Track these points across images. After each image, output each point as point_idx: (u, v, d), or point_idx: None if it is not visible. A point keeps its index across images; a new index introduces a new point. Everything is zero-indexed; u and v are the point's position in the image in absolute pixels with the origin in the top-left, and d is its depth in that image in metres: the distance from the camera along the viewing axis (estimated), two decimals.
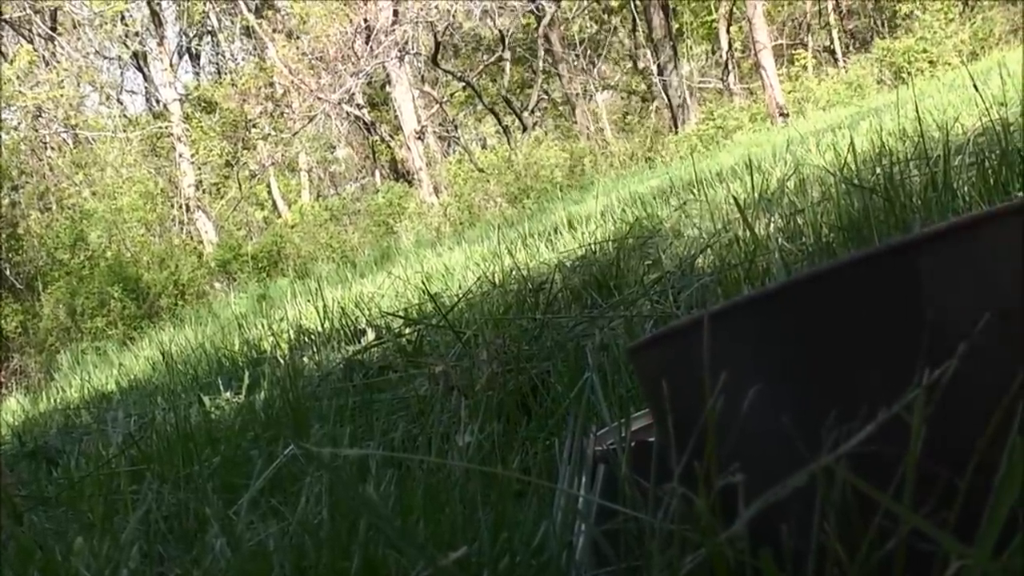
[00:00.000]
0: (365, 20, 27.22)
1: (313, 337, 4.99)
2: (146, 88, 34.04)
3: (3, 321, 22.43)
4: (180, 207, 28.90)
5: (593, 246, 4.75)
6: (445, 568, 0.88)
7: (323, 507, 1.33)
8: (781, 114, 24.74)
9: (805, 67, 32.12)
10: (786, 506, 0.62)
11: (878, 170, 3.65)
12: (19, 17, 29.40)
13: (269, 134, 30.02)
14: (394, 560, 1.08)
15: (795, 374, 0.64)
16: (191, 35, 35.70)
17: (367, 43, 27.38)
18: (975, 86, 3.83)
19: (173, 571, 1.49)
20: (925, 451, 0.58)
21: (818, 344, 0.63)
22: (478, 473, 1.36)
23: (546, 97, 36.68)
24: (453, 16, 29.53)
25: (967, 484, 0.57)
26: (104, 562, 1.53)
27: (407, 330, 3.65)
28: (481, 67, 34.11)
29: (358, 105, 31.16)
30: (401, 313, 4.50)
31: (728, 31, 34.17)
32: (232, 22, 34.45)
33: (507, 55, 32.56)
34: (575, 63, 34.23)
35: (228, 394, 3.84)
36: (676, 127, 29.58)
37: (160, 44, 30.82)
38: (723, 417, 0.66)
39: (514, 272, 4.70)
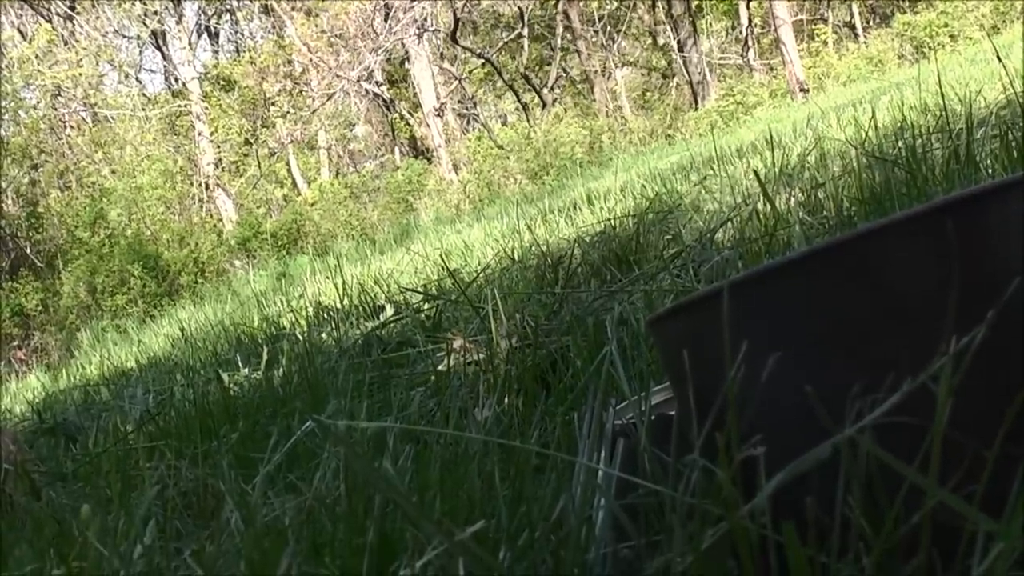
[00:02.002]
0: None
1: (332, 313, 4.98)
2: (165, 67, 34.07)
3: (24, 299, 22.52)
4: (199, 185, 28.93)
5: (613, 221, 4.73)
6: (461, 543, 0.86)
7: (340, 482, 1.32)
8: (801, 90, 24.64)
9: (825, 42, 31.97)
10: (809, 478, 0.60)
11: (900, 143, 3.63)
12: None
13: (288, 112, 30.01)
14: (411, 535, 1.07)
15: (818, 343, 0.62)
16: (210, 13, 35.69)
17: (386, 20, 27.37)
18: (999, 57, 3.80)
19: (189, 546, 1.48)
20: (952, 421, 0.56)
21: (841, 313, 0.61)
22: (496, 448, 1.35)
23: (565, 74, 36.61)
24: None
25: (996, 455, 0.56)
26: (120, 537, 1.52)
27: (426, 305, 3.64)
28: (500, 44, 34.04)
29: (377, 82, 31.15)
30: (420, 289, 4.49)
31: (748, 7, 34.03)
32: (251, 0, 34.43)
33: (526, 32, 32.48)
34: (594, 40, 34.15)
35: (247, 370, 3.84)
36: (696, 103, 29.52)
37: (179, 23, 30.83)
38: (744, 388, 0.64)
39: (533, 248, 4.68)
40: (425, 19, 27.99)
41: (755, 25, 34.98)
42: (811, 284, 0.62)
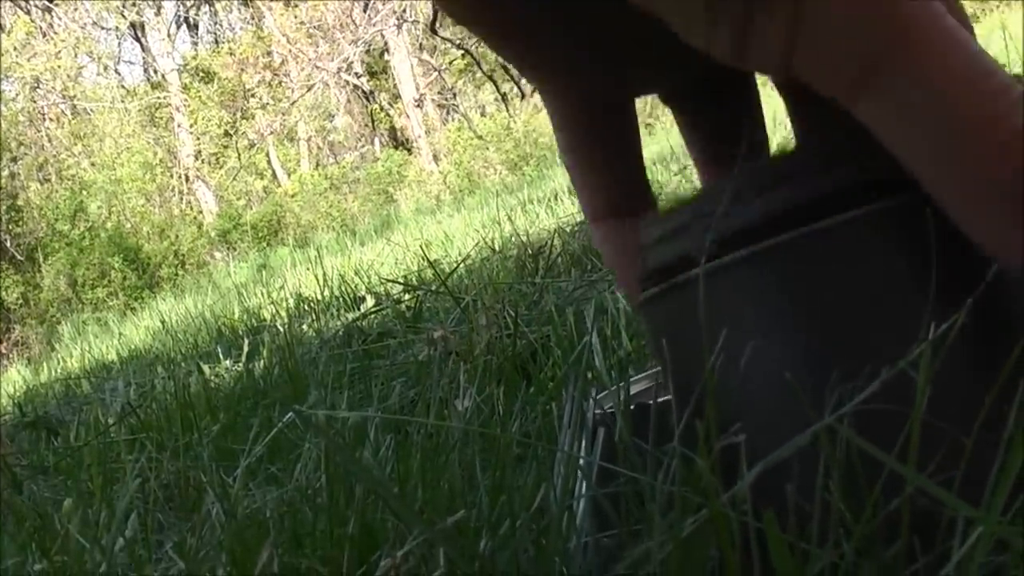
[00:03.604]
0: None
1: (313, 305, 4.98)
2: (144, 58, 33.96)
3: (4, 292, 22.48)
4: (179, 177, 28.89)
5: None
6: (442, 532, 0.86)
7: (321, 473, 1.32)
8: None
9: None
10: (788, 465, 0.60)
11: None
12: None
13: (267, 103, 29.98)
14: (392, 525, 1.07)
15: (802, 328, 0.62)
16: (188, 4, 35.59)
17: (365, 11, 27.32)
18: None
19: (171, 539, 1.48)
20: (931, 407, 0.56)
21: (824, 297, 0.61)
22: (477, 438, 1.35)
23: None
24: None
25: (974, 440, 0.56)
26: (102, 530, 1.52)
27: (406, 296, 3.64)
28: None
29: (356, 74, 31.11)
30: (400, 280, 4.49)
31: None
32: None
33: None
34: None
35: (228, 362, 3.84)
36: None
37: (157, 14, 30.75)
38: (724, 374, 0.64)
39: (513, 238, 4.69)
40: (404, 10, 27.96)
41: None
42: (796, 266, 0.62)
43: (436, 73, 32.14)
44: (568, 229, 4.47)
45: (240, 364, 3.65)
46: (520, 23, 0.68)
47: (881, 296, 0.59)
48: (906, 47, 0.54)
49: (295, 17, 28.33)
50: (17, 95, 27.97)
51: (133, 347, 8.02)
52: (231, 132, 30.40)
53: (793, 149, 0.64)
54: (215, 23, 37.98)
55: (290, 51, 28.64)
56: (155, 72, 32.74)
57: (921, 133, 0.55)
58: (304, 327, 4.21)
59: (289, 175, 31.97)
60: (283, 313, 5.27)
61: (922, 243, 0.57)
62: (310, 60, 28.16)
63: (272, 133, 30.83)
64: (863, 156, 0.59)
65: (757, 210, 0.61)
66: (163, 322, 8.78)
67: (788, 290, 0.61)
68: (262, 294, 8.03)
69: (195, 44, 37.77)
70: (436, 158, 27.27)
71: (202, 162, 30.07)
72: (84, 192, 24.94)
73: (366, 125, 35.00)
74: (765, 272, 0.62)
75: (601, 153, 0.79)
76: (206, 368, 3.77)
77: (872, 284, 0.60)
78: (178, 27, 34.96)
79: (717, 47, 0.59)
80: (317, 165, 33.41)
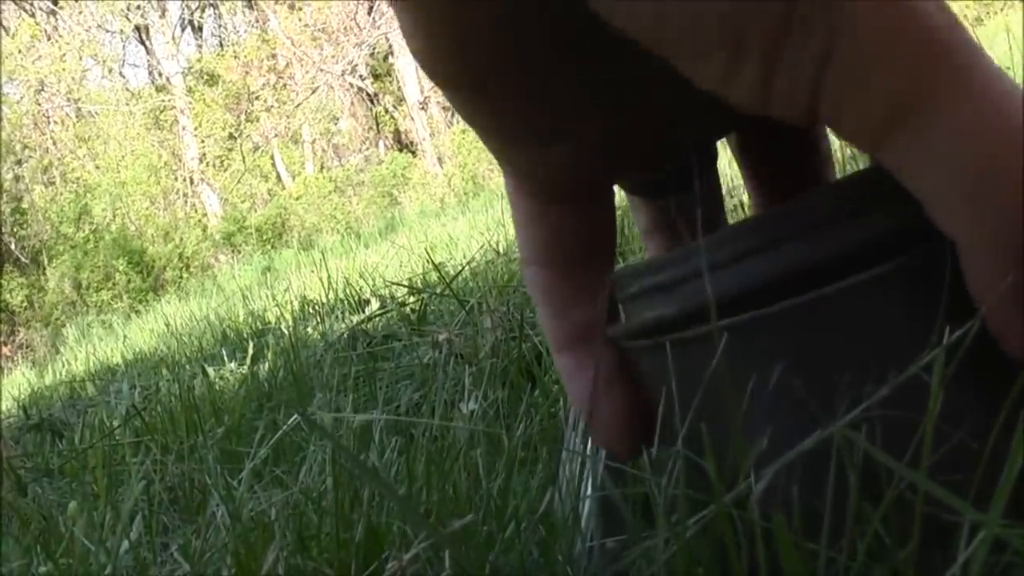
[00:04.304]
0: None
1: (317, 308, 4.98)
2: (148, 61, 33.97)
3: (9, 295, 22.50)
4: (184, 180, 28.91)
5: None
6: (448, 535, 0.86)
7: (326, 476, 1.32)
8: None
9: None
10: (793, 467, 0.60)
11: None
12: None
13: (272, 106, 29.99)
14: (398, 528, 1.07)
15: (799, 382, 0.61)
16: (193, 7, 35.61)
17: (369, 14, 27.35)
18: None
19: (176, 541, 1.48)
20: (944, 414, 0.56)
21: (828, 360, 0.60)
22: (483, 440, 1.34)
23: None
24: None
25: (991, 447, 0.55)
26: (107, 532, 1.52)
27: (411, 299, 3.63)
28: None
29: (361, 76, 31.13)
30: (405, 282, 4.49)
31: None
32: None
33: None
34: None
35: (232, 365, 3.84)
36: None
37: (162, 17, 30.76)
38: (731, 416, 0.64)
39: None
40: None
41: None
42: (793, 334, 0.61)
43: None
44: None
45: (245, 367, 3.65)
46: (520, 57, 0.60)
47: (887, 360, 0.58)
48: (946, 81, 0.48)
49: (299, 20, 28.36)
50: (22, 98, 27.99)
51: (138, 350, 8.02)
52: (235, 135, 30.41)
53: (762, 215, 0.62)
54: (219, 26, 38.00)
55: (294, 54, 28.67)
56: (159, 75, 32.75)
57: (949, 180, 0.49)
58: (309, 330, 4.20)
59: (293, 178, 31.97)
60: (288, 316, 5.27)
61: (931, 305, 0.56)
62: (314, 63, 28.21)
63: (276, 136, 30.85)
64: (846, 221, 0.57)
65: (738, 278, 0.60)
66: (168, 325, 8.78)
67: (789, 356, 0.60)
68: (267, 297, 8.03)
69: (199, 47, 37.79)
70: (440, 160, 27.28)
71: (206, 165, 30.08)
72: (88, 195, 24.98)
73: (370, 128, 35.01)
74: (763, 338, 0.60)
75: (576, 260, 0.71)
76: (211, 371, 3.77)
77: (877, 347, 0.59)
78: (182, 30, 34.98)
79: (737, 86, 0.52)
80: (321, 168, 33.41)
